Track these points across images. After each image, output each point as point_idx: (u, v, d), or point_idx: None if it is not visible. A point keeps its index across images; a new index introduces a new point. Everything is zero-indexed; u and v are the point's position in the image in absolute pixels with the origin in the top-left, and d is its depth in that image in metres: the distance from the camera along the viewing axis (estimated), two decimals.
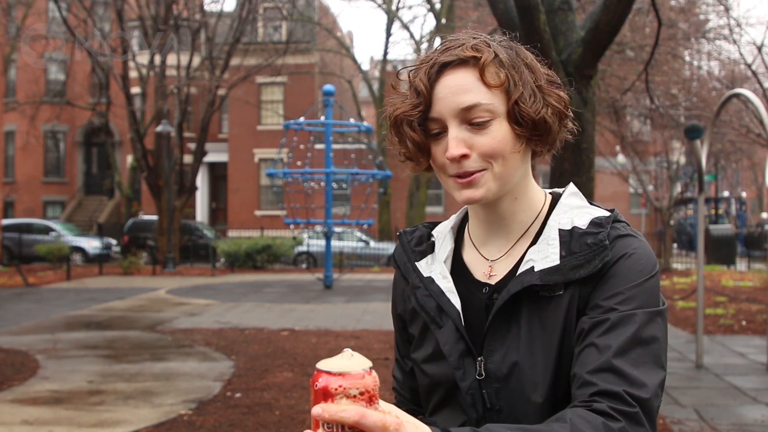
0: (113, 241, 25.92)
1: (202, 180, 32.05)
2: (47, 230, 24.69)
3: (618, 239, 1.12)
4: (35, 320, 11.26)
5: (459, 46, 1.12)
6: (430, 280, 1.22)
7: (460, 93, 1.10)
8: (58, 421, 5.59)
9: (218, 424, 5.44)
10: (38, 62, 30.29)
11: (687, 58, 19.29)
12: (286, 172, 16.52)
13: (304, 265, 22.96)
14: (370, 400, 0.86)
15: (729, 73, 19.36)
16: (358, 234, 24.03)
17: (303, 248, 23.38)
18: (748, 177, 45.01)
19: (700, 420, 5.60)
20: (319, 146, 19.95)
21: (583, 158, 5.73)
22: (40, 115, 27.98)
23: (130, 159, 32.28)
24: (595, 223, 1.14)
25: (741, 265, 23.43)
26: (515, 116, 1.11)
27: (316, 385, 0.87)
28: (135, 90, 25.80)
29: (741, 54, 16.91)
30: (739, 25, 16.74)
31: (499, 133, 1.11)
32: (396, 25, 39.24)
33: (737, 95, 9.48)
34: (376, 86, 29.56)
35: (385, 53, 28.81)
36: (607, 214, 1.16)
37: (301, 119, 16.75)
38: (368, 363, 0.88)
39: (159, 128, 21.65)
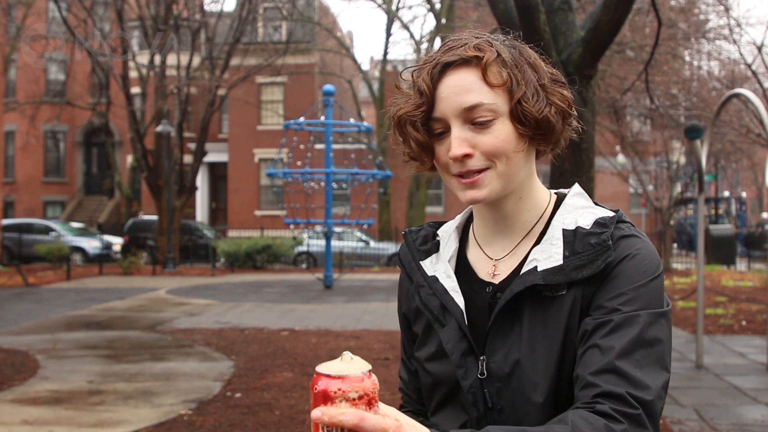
0: (113, 240, 25.90)
1: (202, 180, 32.06)
2: (47, 230, 24.69)
3: (622, 239, 1.12)
4: (35, 320, 11.26)
5: (461, 46, 1.12)
6: (434, 279, 1.22)
7: (462, 93, 1.11)
8: (58, 421, 5.59)
9: (218, 424, 5.44)
10: (38, 62, 30.30)
11: (687, 58, 19.29)
12: (286, 172, 16.52)
13: (304, 265, 22.96)
14: (370, 403, 0.87)
15: (729, 73, 19.36)
16: (358, 234, 24.03)
17: (303, 248, 23.38)
18: (748, 177, 45.01)
19: (700, 420, 5.60)
20: (319, 146, 19.95)
21: (583, 158, 5.73)
22: (40, 115, 27.98)
23: (130, 159, 32.30)
24: (599, 223, 1.13)
25: (741, 265, 23.43)
26: (518, 115, 1.11)
27: (316, 389, 0.87)
28: (135, 90, 25.80)
29: (741, 54, 16.90)
30: (739, 25, 16.74)
31: (502, 132, 1.11)
32: (396, 25, 39.26)
33: (737, 95, 9.48)
34: (376, 86, 29.57)
35: (385, 53, 28.82)
36: (612, 214, 1.16)
37: (301, 119, 16.75)
38: (367, 366, 0.88)
39: (159, 128, 21.65)
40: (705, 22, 18.04)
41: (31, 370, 7.46)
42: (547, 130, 1.13)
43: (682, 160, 23.45)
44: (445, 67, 1.12)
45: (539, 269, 1.12)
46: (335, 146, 17.93)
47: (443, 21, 25.26)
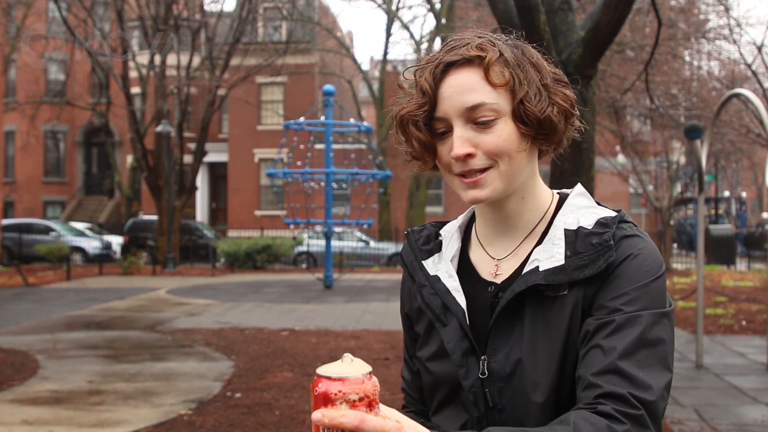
0: (113, 240, 25.91)
1: (202, 180, 32.06)
2: (47, 230, 24.69)
3: (624, 239, 1.12)
4: (35, 320, 11.26)
5: (464, 46, 1.12)
6: (437, 278, 1.22)
7: (464, 92, 1.11)
8: (58, 421, 5.59)
9: (218, 424, 5.44)
10: (38, 62, 30.30)
11: (687, 58, 19.29)
12: (286, 172, 16.52)
13: (304, 265, 22.96)
14: (370, 405, 0.87)
15: (729, 73, 19.36)
16: (358, 234, 24.03)
17: (303, 248, 23.39)
18: (748, 177, 45.01)
19: (700, 420, 5.60)
20: (319, 146, 19.94)
21: (583, 158, 5.73)
22: (40, 115, 27.98)
23: (130, 159, 32.30)
24: (600, 223, 1.13)
25: (741, 265, 23.43)
26: (520, 115, 1.11)
27: (316, 391, 0.87)
28: (135, 90, 25.80)
29: (741, 54, 16.91)
30: (739, 25, 16.74)
31: (505, 132, 1.11)
32: (396, 25, 39.27)
33: (737, 95, 9.48)
34: (376, 86, 29.57)
35: (385, 53, 28.82)
36: (614, 214, 1.16)
37: (301, 119, 16.75)
38: (368, 368, 0.89)
39: (159, 128, 21.65)
40: (705, 22, 18.04)
41: (31, 370, 7.45)
42: (550, 129, 1.13)
43: (682, 160, 23.46)
44: (448, 67, 1.12)
45: (541, 269, 1.12)
46: (335, 146, 17.94)
47: (443, 21, 25.26)
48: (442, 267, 1.23)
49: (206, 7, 25.45)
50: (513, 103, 1.11)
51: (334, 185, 17.56)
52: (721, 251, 22.26)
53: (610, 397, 1.00)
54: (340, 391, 0.86)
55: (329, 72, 31.70)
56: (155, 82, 22.89)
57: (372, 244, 24.13)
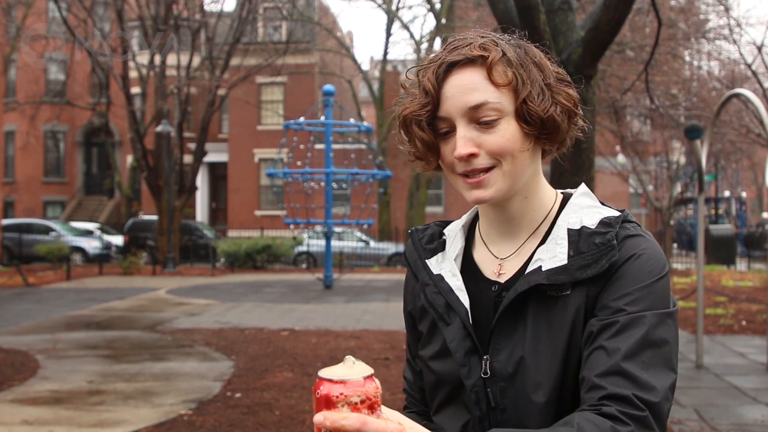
0: (112, 240, 25.95)
1: (202, 180, 32.06)
2: (47, 230, 24.70)
3: (627, 239, 1.11)
4: (35, 320, 11.26)
5: (467, 46, 1.12)
6: (440, 277, 1.22)
7: (467, 92, 1.10)
8: (58, 421, 5.59)
9: (218, 424, 5.44)
10: (38, 62, 30.30)
11: (687, 58, 19.30)
12: (286, 172, 16.52)
13: (304, 265, 22.96)
14: (372, 408, 0.87)
15: (729, 73, 19.38)
16: (358, 234, 24.03)
17: (303, 248, 23.39)
18: (748, 177, 45.03)
19: (700, 420, 5.60)
20: (319, 146, 19.94)
21: (583, 158, 5.73)
22: (40, 115, 27.98)
23: (130, 159, 32.30)
24: (604, 222, 1.13)
25: (741, 265, 23.43)
26: (523, 115, 1.11)
27: (318, 393, 0.88)
28: (135, 90, 25.80)
29: (741, 54, 16.93)
30: (739, 25, 16.75)
31: (508, 131, 1.11)
32: (396, 25, 39.26)
33: (737, 95, 9.48)
34: (376, 86, 29.57)
35: (385, 53, 28.82)
36: (617, 214, 1.15)
37: (301, 119, 16.75)
38: (370, 370, 0.89)
39: (159, 128, 21.65)
40: (705, 22, 18.05)
41: (31, 370, 7.45)
42: (553, 129, 1.13)
43: (682, 160, 23.47)
44: (450, 67, 1.12)
45: (544, 269, 1.11)
46: (335, 146, 17.93)
47: (443, 21, 25.26)
48: (445, 266, 1.23)
49: (206, 7, 25.46)
50: (516, 102, 1.11)
51: (334, 185, 17.56)
52: (721, 251, 22.26)
53: (614, 399, 1.00)
54: (341, 394, 0.86)
55: (329, 72, 31.70)
56: (155, 82, 22.89)
57: (372, 244, 24.13)
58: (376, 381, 0.89)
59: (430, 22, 56.71)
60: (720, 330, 9.99)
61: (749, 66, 16.65)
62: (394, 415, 0.92)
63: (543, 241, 1.17)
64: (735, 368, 7.56)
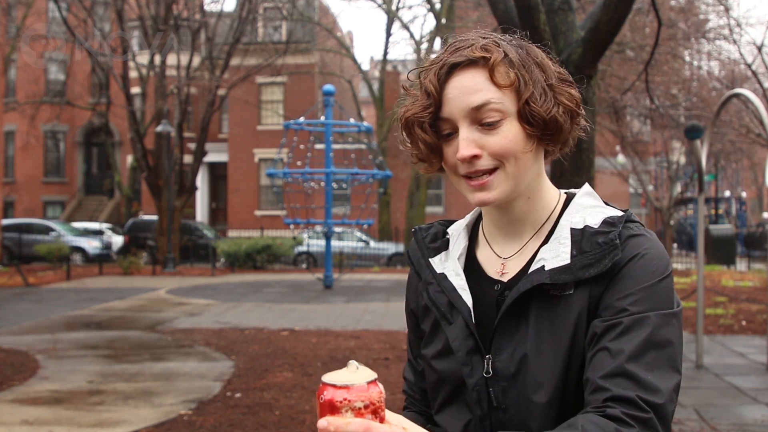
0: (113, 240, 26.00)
1: (202, 180, 32.06)
2: (47, 230, 24.70)
3: (630, 239, 1.11)
4: (35, 320, 11.25)
5: (468, 47, 1.12)
6: (443, 276, 1.22)
7: (469, 93, 1.10)
8: (58, 421, 5.59)
9: (218, 424, 5.44)
10: (38, 62, 30.30)
11: (687, 58, 19.31)
12: (286, 172, 16.52)
13: (304, 265, 22.96)
14: (376, 412, 0.87)
15: (729, 73, 19.39)
16: (358, 234, 24.03)
17: (303, 248, 23.39)
18: (748, 177, 45.04)
19: (700, 420, 5.60)
20: (319, 146, 19.95)
21: (583, 158, 5.73)
22: (40, 115, 27.98)
23: (130, 159, 32.30)
24: (607, 222, 1.13)
25: (741, 265, 23.43)
26: (526, 116, 1.11)
27: (322, 398, 0.88)
28: (135, 90, 25.80)
29: (741, 54, 16.94)
30: (739, 25, 16.77)
31: (510, 133, 1.11)
32: (396, 25, 39.29)
33: (737, 95, 9.48)
34: (376, 86, 29.57)
35: (385, 53, 28.81)
36: (621, 213, 1.15)
37: (301, 119, 16.75)
38: (373, 375, 0.89)
39: (159, 128, 21.65)
40: (705, 22, 18.05)
41: (31, 370, 7.45)
42: (555, 130, 1.13)
43: (682, 160, 23.48)
44: (452, 68, 1.12)
45: (547, 268, 1.11)
46: (335, 146, 17.93)
47: (443, 21, 25.25)
48: (449, 265, 1.23)
49: (206, 7, 25.46)
50: (518, 103, 1.11)
51: (334, 185, 17.56)
52: (721, 251, 22.26)
53: (619, 401, 1.00)
54: (345, 399, 0.86)
55: (329, 72, 31.71)
56: (155, 82, 22.89)
57: (372, 244, 24.14)
58: (380, 386, 0.89)
59: (430, 22, 56.78)
60: (720, 330, 9.99)
61: (749, 66, 16.66)
62: (398, 419, 0.92)
63: (546, 241, 1.17)
64: (735, 368, 7.56)
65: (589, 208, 1.18)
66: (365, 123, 19.92)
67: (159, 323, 10.90)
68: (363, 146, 20.65)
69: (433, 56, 1.16)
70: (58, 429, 5.39)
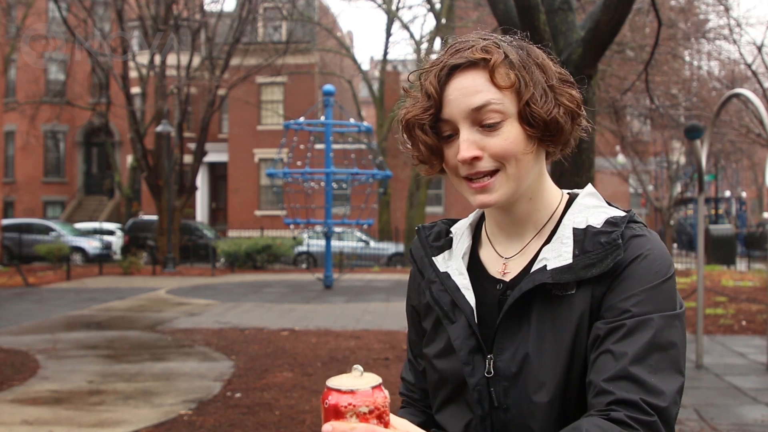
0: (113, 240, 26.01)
1: (202, 180, 32.06)
2: (47, 230, 24.71)
3: (633, 239, 1.11)
4: (35, 320, 11.25)
5: (468, 48, 1.12)
6: (447, 275, 1.22)
7: (470, 94, 1.10)
8: (58, 421, 5.59)
9: (218, 424, 5.44)
10: (38, 62, 30.30)
11: (687, 58, 19.31)
12: (286, 172, 16.52)
13: (304, 265, 22.97)
14: (380, 417, 0.87)
15: (729, 73, 19.39)
16: (358, 234, 24.03)
17: (303, 248, 23.39)
18: (748, 177, 45.04)
19: (700, 420, 5.60)
20: (319, 146, 19.95)
21: (583, 158, 5.73)
22: (40, 115, 27.98)
23: (130, 159, 32.30)
24: (609, 222, 1.13)
25: (741, 265, 23.43)
26: (526, 117, 1.11)
27: (326, 403, 0.87)
28: (135, 90, 25.80)
29: (741, 54, 16.94)
30: (739, 25, 16.77)
31: (511, 134, 1.11)
32: (396, 25, 39.26)
33: (737, 95, 9.48)
34: (376, 86, 29.57)
35: (385, 53, 28.82)
36: (623, 214, 1.15)
37: (301, 119, 16.75)
38: (378, 380, 0.89)
39: (159, 128, 21.65)
40: (705, 22, 18.05)
41: (31, 370, 7.45)
42: (556, 131, 1.13)
43: (682, 160, 23.48)
44: (453, 70, 1.12)
45: (549, 268, 1.11)
46: (335, 146, 17.93)
47: (443, 21, 25.26)
48: (452, 264, 1.23)
49: (206, 7, 25.46)
50: (519, 105, 1.11)
51: (334, 185, 17.56)
52: (721, 251, 22.26)
53: (623, 404, 1.00)
54: (350, 404, 0.86)
55: (329, 72, 31.70)
56: (155, 82, 22.89)
57: (372, 244, 24.14)
58: (385, 391, 0.89)
59: (430, 22, 56.78)
60: (720, 330, 9.99)
61: (749, 66, 16.66)
62: (403, 424, 0.92)
63: (548, 241, 1.17)
64: (735, 368, 7.56)
65: (591, 208, 1.17)
66: (365, 123, 19.92)
67: (159, 323, 10.90)
68: (363, 146, 20.65)
69: (433, 58, 1.16)
70: (58, 429, 5.39)
